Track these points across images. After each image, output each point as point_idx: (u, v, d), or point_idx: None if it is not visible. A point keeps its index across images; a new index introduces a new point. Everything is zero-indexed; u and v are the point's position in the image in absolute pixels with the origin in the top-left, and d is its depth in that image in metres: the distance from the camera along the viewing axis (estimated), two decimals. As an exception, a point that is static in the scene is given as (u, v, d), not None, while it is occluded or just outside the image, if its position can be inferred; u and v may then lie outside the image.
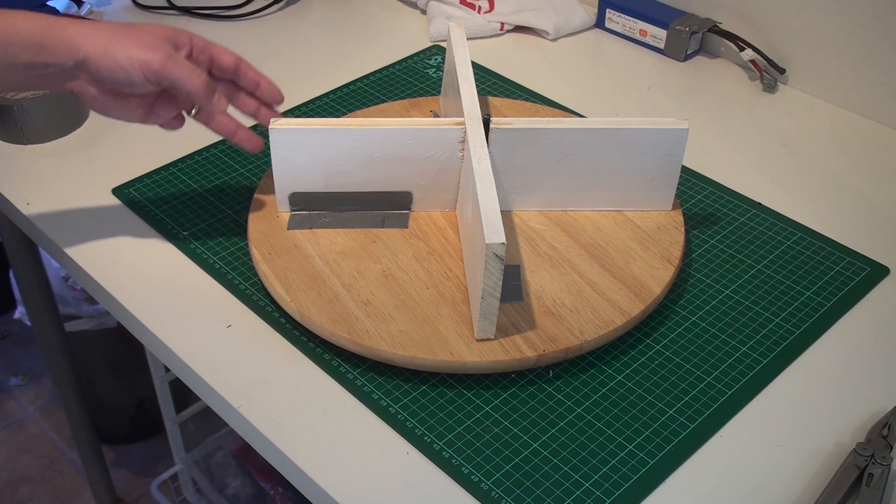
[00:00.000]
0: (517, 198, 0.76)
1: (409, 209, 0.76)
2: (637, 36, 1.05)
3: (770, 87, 0.97)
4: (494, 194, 0.64)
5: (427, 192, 0.75)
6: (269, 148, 0.72)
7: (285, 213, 0.75)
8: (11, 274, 1.39)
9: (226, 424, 1.41)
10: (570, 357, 0.65)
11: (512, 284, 0.69)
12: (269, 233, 0.73)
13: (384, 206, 0.75)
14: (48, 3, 1.02)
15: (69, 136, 0.90)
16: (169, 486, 1.48)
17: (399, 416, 0.63)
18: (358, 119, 0.73)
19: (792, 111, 0.95)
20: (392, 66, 1.01)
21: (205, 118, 0.70)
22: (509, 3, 1.08)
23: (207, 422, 1.55)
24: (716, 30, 1.00)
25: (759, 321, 0.70)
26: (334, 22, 1.10)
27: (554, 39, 1.07)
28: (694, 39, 1.02)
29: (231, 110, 0.71)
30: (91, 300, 1.43)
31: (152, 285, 0.73)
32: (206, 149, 0.88)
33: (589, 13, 1.08)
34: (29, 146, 0.89)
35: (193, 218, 0.79)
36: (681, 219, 0.75)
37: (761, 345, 0.68)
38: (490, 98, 0.89)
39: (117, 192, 0.82)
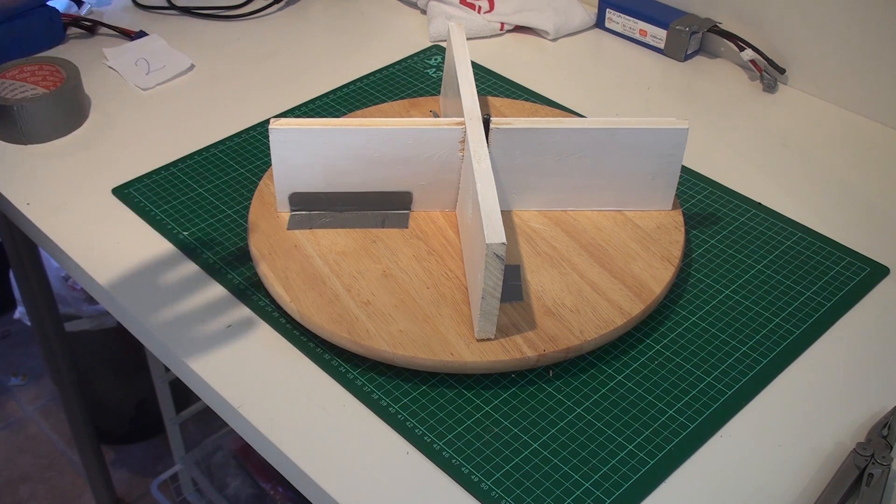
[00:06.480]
0: (517, 198, 0.76)
1: (409, 209, 0.76)
2: (637, 36, 1.05)
3: (770, 87, 0.97)
4: (494, 194, 0.64)
5: (427, 192, 0.75)
6: (269, 148, 0.72)
7: (285, 213, 0.75)
8: (11, 274, 1.39)
9: (226, 424, 1.41)
10: (571, 357, 0.65)
11: (512, 284, 0.69)
12: (269, 233, 0.73)
13: (384, 206, 0.75)
14: (48, 3, 1.02)
15: (69, 136, 0.90)
16: (169, 486, 1.48)
17: (399, 416, 0.63)
18: (358, 119, 0.73)
19: (792, 111, 0.95)
20: (392, 66, 1.01)
21: None
22: (509, 3, 1.08)
23: (207, 422, 1.56)
24: (716, 30, 1.00)
25: (759, 321, 0.70)
26: (334, 21, 1.10)
27: (554, 39, 1.07)
28: (694, 39, 1.02)
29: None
30: (91, 300, 1.43)
31: (152, 285, 0.73)
32: (206, 149, 0.88)
33: (589, 13, 1.08)
34: (29, 146, 0.89)
35: (193, 218, 0.79)
36: (681, 219, 0.75)
37: (761, 345, 0.68)
38: (490, 98, 0.89)
39: (117, 192, 0.82)
